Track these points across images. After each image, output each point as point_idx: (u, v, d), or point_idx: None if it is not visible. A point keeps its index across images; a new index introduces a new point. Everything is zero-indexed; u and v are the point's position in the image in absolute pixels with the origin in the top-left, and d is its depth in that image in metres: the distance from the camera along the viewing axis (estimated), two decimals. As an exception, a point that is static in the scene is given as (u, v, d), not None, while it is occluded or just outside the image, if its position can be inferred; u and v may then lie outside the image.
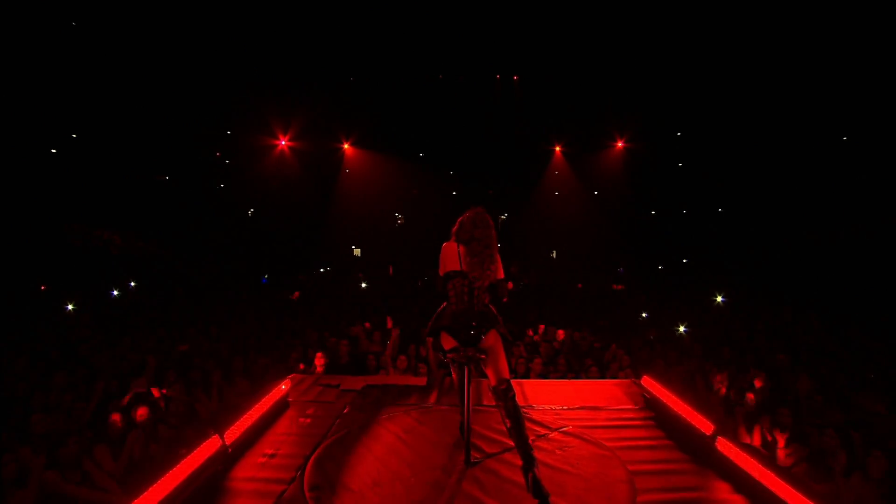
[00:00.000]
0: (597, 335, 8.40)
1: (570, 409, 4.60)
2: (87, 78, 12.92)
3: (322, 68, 14.80)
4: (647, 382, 4.79)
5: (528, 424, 3.51)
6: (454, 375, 3.87)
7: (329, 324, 9.06)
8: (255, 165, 17.81)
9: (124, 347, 7.27)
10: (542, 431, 4.07)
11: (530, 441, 3.30)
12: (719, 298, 10.64)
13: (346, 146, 18.57)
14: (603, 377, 6.46)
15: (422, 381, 5.50)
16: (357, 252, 21.45)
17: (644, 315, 9.88)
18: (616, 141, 18.42)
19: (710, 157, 17.15)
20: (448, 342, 3.53)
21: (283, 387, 4.75)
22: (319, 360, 6.56)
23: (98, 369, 6.26)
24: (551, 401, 4.76)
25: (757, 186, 16.69)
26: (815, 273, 13.89)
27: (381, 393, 5.02)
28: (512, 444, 3.28)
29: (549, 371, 6.80)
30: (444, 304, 3.65)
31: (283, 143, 17.91)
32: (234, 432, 3.70)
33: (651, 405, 4.58)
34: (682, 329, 8.38)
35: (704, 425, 3.69)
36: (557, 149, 19.11)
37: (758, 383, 6.04)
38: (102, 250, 15.38)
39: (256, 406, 4.16)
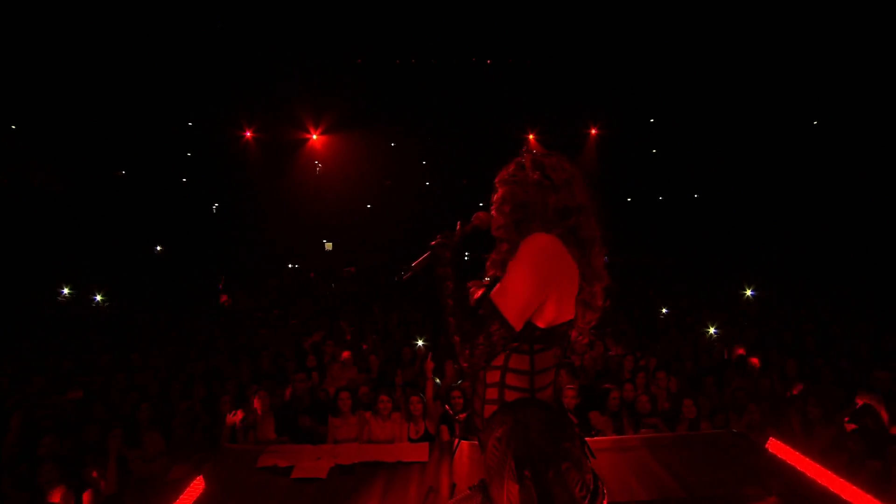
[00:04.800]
0: (620, 343, 6.91)
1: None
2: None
3: (289, 52, 14.04)
4: (778, 448, 3.20)
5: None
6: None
7: (280, 340, 7.31)
8: (218, 158, 16.93)
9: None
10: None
11: None
12: (749, 292, 9.12)
13: (314, 136, 17.88)
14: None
15: (422, 450, 3.63)
16: (329, 246, 20.74)
17: (665, 311, 8.39)
18: (590, 128, 18.46)
19: (686, 143, 17.37)
20: None
21: (194, 489, 3.01)
22: (260, 402, 4.61)
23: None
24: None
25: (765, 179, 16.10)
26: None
27: (357, 482, 3.19)
28: None
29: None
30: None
31: (249, 134, 17.15)
32: None
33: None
34: (712, 331, 6.93)
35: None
36: (531, 136, 18.95)
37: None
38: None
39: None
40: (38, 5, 10.57)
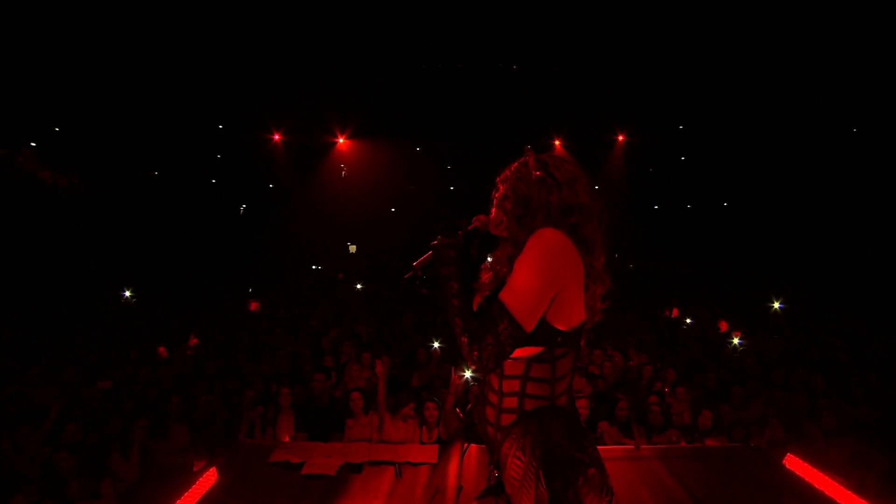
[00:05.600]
0: (641, 352, 6.69)
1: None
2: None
3: (317, 56, 14.34)
4: (795, 465, 3.14)
5: None
6: None
7: (301, 343, 7.35)
8: (247, 161, 17.14)
9: (30, 381, 5.36)
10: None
11: None
12: (777, 304, 8.73)
13: (341, 140, 18.19)
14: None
15: (431, 452, 3.65)
16: (353, 249, 20.99)
17: (688, 321, 8.17)
18: (617, 135, 18.25)
19: (715, 151, 16.98)
20: None
21: (207, 479, 3.11)
22: (281, 400, 4.81)
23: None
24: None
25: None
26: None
27: (365, 480, 3.26)
28: None
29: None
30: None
31: (277, 137, 17.53)
32: None
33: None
34: (736, 341, 6.73)
35: None
36: (557, 143, 18.82)
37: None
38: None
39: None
40: (73, 9, 11.00)
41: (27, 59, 11.58)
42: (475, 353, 1.49)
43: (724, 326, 6.51)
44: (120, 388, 5.31)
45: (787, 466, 3.13)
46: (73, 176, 14.61)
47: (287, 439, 4.69)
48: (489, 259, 1.79)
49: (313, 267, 18.08)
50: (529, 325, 1.48)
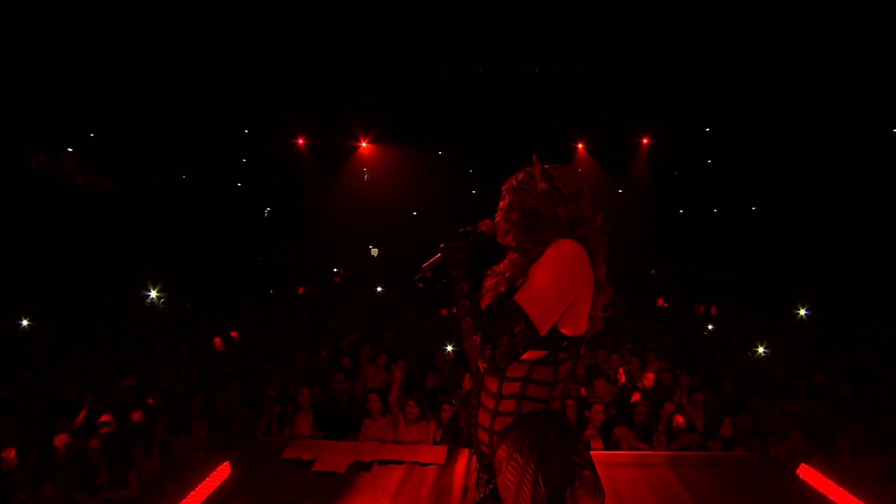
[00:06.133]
0: (662, 359, 6.54)
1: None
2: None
3: (341, 61, 14.57)
4: (810, 476, 3.07)
5: None
6: None
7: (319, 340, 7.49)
8: (271, 164, 17.53)
9: (60, 377, 5.63)
10: None
11: None
12: (803, 312, 8.55)
13: (363, 144, 18.34)
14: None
15: (440, 452, 3.75)
16: (375, 252, 21.08)
17: (710, 328, 7.97)
18: (642, 137, 18.02)
19: (743, 152, 16.59)
20: None
21: (220, 473, 3.23)
22: (300, 399, 4.89)
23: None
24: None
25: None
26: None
27: (374, 479, 3.34)
28: None
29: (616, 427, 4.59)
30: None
31: (301, 141, 17.88)
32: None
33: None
34: (761, 350, 6.56)
35: None
36: (580, 146, 18.66)
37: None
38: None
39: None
40: (107, 21, 11.45)
41: (64, 69, 12.11)
42: (488, 351, 1.50)
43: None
44: (145, 385, 5.52)
45: (801, 477, 3.07)
46: (106, 180, 15.23)
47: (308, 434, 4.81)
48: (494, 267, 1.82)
49: (334, 269, 18.33)
50: (544, 329, 1.52)
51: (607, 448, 4.35)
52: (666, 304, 10.16)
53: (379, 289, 13.68)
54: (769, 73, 13.53)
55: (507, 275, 1.69)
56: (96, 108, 13.68)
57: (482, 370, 1.50)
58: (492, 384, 1.69)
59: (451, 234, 1.75)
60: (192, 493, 3.00)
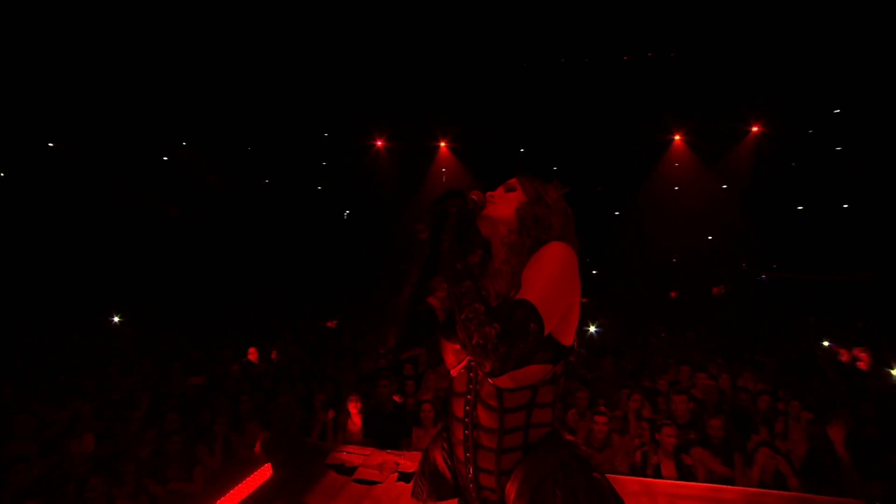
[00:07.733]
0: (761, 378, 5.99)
1: None
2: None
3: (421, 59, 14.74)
4: None
5: None
6: None
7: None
8: (350, 167, 18.17)
9: (112, 376, 5.98)
10: None
11: None
12: None
13: (442, 144, 18.62)
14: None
15: None
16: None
17: (827, 344, 7.09)
18: (751, 125, 16.39)
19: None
20: None
21: (261, 475, 3.34)
22: (355, 407, 4.97)
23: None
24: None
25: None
26: None
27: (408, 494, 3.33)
28: None
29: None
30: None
31: (380, 143, 18.44)
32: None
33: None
34: (895, 373, 5.73)
35: None
36: (677, 137, 17.42)
37: None
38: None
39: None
40: (199, 31, 12.42)
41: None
42: (502, 349, 1.32)
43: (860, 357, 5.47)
44: (212, 384, 5.92)
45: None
46: (222, 177, 16.63)
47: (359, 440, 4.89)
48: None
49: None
50: (547, 331, 1.44)
51: (680, 476, 3.94)
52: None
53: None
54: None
55: (503, 268, 1.61)
56: (192, 113, 14.85)
57: (488, 369, 1.36)
58: (489, 420, 1.57)
59: (445, 195, 1.67)
60: (232, 491, 3.11)
